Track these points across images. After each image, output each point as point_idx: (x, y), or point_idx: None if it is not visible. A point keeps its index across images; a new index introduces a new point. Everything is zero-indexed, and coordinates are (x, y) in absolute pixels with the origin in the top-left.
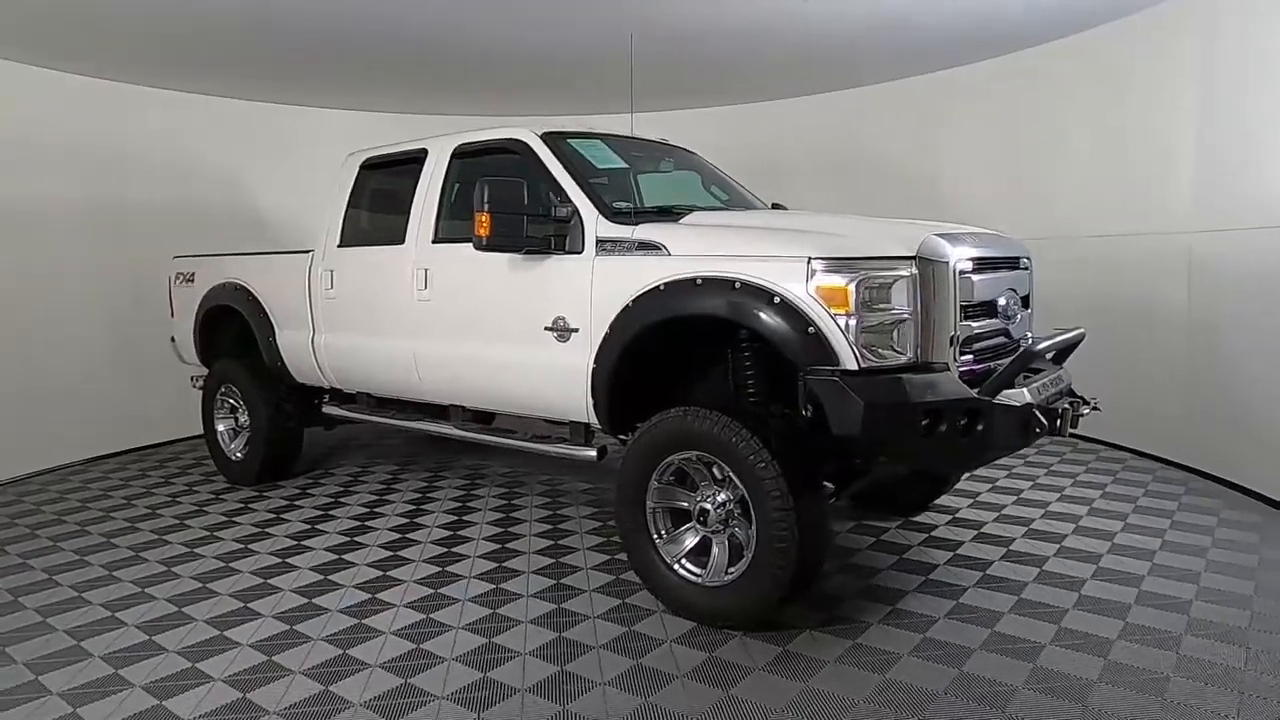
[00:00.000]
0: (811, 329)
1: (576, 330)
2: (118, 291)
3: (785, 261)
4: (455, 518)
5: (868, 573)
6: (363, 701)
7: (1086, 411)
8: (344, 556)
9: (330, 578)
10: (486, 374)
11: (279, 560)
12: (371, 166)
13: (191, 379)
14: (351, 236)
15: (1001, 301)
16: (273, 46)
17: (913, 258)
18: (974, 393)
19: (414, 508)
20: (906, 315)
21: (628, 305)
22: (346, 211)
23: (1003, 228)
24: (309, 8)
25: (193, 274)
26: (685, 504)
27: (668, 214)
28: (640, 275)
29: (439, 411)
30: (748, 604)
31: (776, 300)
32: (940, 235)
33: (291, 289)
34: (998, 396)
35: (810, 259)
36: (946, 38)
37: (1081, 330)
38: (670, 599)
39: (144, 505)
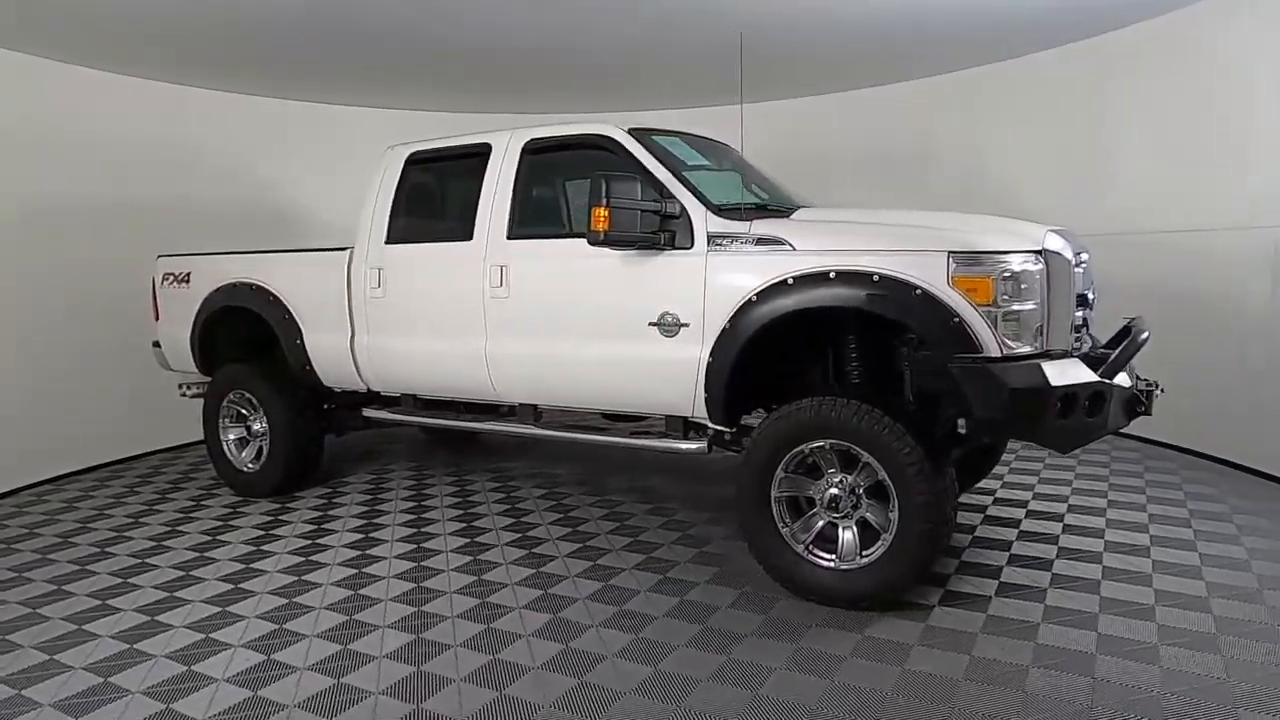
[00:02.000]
0: (956, 319)
1: (687, 325)
2: (85, 295)
3: (925, 255)
4: (513, 520)
5: (955, 551)
6: (551, 703)
7: (1159, 394)
8: (423, 564)
9: (423, 585)
10: (576, 372)
11: (354, 570)
12: (418, 161)
13: (181, 387)
14: (401, 233)
15: (1090, 294)
16: (288, 43)
17: (1040, 251)
18: (1098, 376)
19: (462, 511)
20: (1036, 305)
21: (750, 299)
22: (393, 207)
23: (1065, 223)
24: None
25: (187, 274)
26: (811, 492)
27: (764, 210)
28: (764, 270)
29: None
30: (884, 585)
31: (918, 293)
32: (1055, 231)
33: (326, 289)
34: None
35: (950, 253)
36: (1001, 28)
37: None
38: (799, 585)
39: (159, 523)
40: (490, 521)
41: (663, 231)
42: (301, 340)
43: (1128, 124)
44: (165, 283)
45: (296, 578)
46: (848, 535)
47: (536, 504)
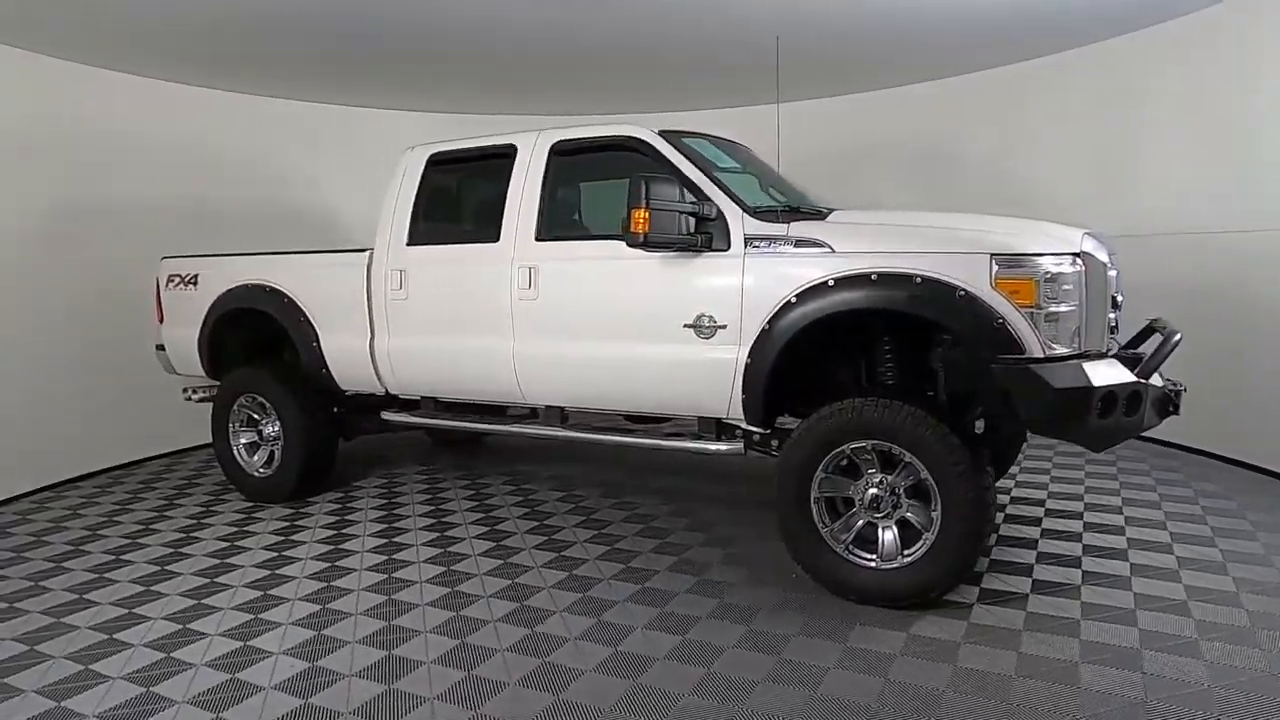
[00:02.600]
0: (999, 321)
1: (724, 327)
2: (78, 296)
3: (968, 258)
4: (536, 523)
5: (984, 549)
6: (611, 705)
7: (1183, 393)
8: (453, 568)
9: (458, 589)
10: (607, 374)
11: (384, 576)
12: (440, 162)
13: (185, 391)
14: (424, 235)
15: (1119, 297)
16: (299, 44)
17: (1078, 254)
18: (1134, 376)
19: (482, 515)
20: (1075, 307)
21: (790, 300)
22: (414, 209)
23: (1091, 224)
24: (335, 4)
25: (195, 276)
26: (850, 492)
27: (798, 212)
28: (804, 271)
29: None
30: (927, 584)
31: (960, 294)
32: (1088, 234)
33: (344, 291)
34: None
35: (993, 255)
36: (1024, 27)
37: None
38: (840, 585)
39: (172, 530)
40: (513, 525)
41: (700, 233)
42: (318, 343)
43: (1157, 123)
44: (170, 285)
45: (326, 584)
46: (888, 535)
47: (556, 507)
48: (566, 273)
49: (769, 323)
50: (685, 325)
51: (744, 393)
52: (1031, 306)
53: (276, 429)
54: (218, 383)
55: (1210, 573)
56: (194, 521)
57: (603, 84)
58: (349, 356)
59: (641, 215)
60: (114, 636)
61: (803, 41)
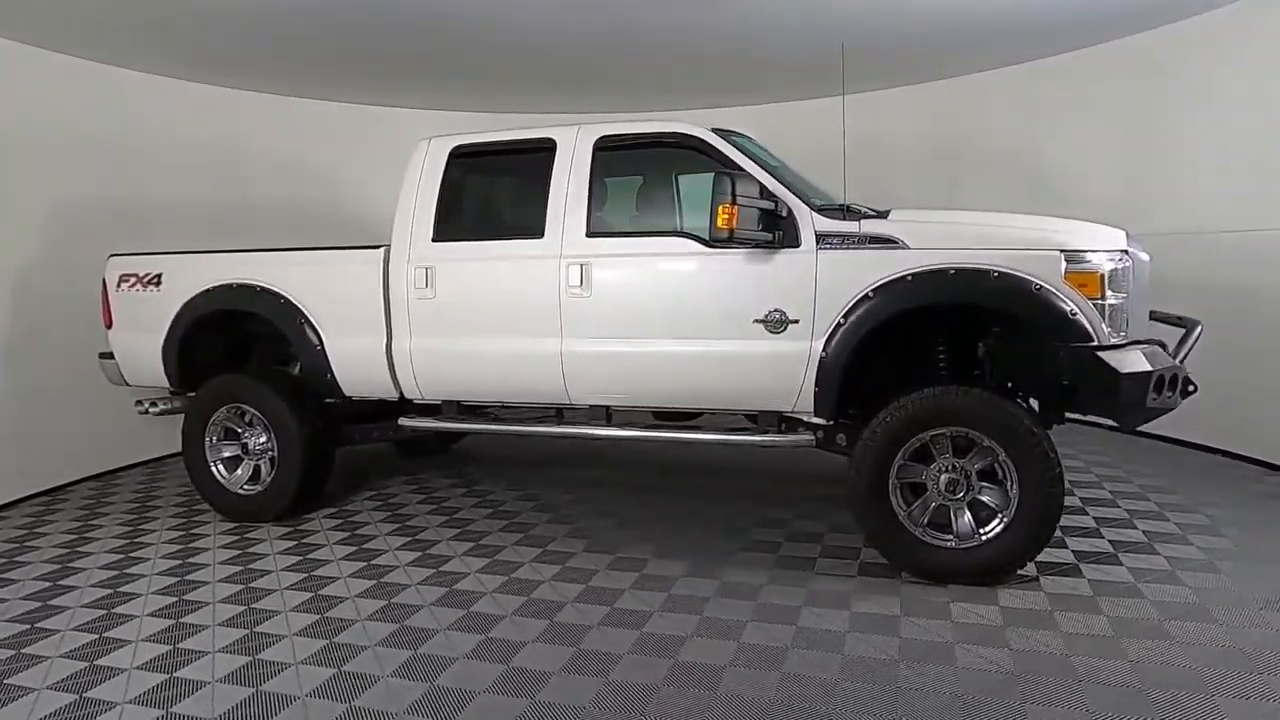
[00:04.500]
0: (1073, 311)
1: (796, 321)
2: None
3: (1041, 254)
4: (568, 526)
5: None
6: (774, 694)
7: None
8: (513, 576)
9: (533, 597)
10: (669, 370)
11: (445, 589)
12: (464, 155)
13: (140, 404)
14: (452, 231)
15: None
16: (308, 42)
17: (1125, 251)
18: (1175, 361)
19: (506, 522)
20: (1125, 298)
21: (867, 295)
22: (439, 203)
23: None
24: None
25: (156, 275)
26: (923, 477)
27: (853, 211)
28: (880, 267)
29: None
30: (1007, 560)
31: (1037, 288)
32: (1127, 234)
33: (356, 290)
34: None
35: (1063, 251)
36: (1049, 21)
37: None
38: (919, 566)
39: (160, 557)
40: (547, 530)
41: (774, 230)
42: (322, 347)
43: (1186, 123)
44: (123, 286)
45: (386, 601)
46: (964, 517)
47: (575, 509)
48: (623, 269)
49: (844, 316)
50: (755, 320)
51: (817, 385)
52: (1096, 298)
53: (264, 441)
54: (179, 393)
55: (1209, 535)
56: (181, 546)
57: (599, 84)
58: (361, 360)
59: (730, 211)
60: (175, 675)
61: (823, 39)
